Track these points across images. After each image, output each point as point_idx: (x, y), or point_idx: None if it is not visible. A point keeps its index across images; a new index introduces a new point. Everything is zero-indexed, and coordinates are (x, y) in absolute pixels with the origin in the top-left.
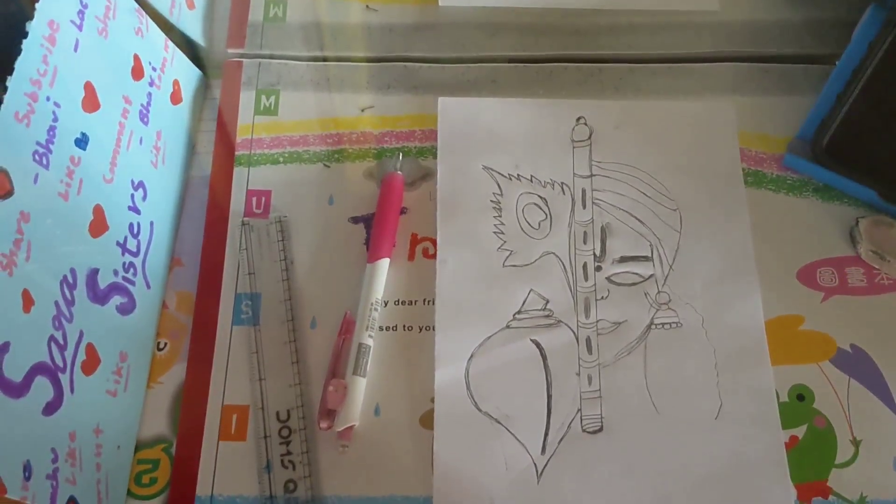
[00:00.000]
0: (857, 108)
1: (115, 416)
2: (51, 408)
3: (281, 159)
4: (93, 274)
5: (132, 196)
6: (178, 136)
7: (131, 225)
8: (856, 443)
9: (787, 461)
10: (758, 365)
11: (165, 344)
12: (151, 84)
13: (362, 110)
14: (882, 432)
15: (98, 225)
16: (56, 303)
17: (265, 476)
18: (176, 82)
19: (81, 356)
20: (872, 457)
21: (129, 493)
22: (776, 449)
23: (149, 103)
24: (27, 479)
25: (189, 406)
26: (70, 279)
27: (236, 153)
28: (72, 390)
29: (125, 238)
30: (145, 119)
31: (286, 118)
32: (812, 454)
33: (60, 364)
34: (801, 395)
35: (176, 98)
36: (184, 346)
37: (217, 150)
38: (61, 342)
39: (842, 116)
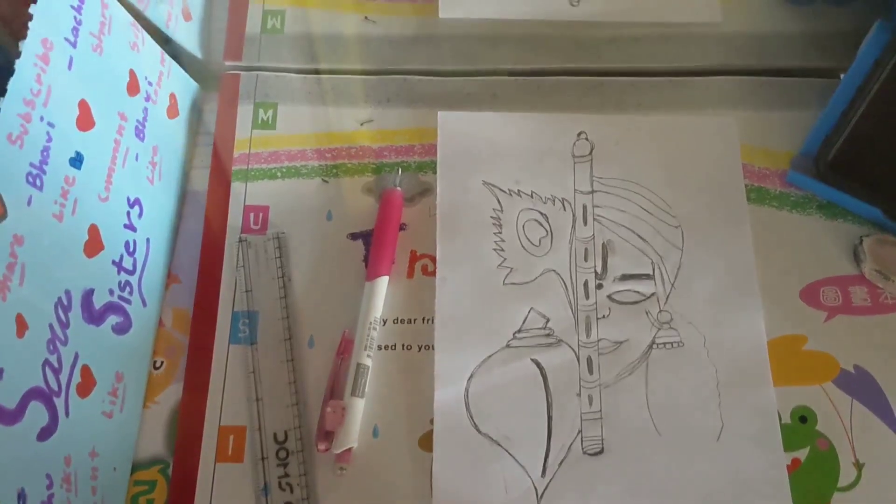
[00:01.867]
0: (862, 125)
1: (110, 438)
2: (45, 433)
3: (279, 174)
4: (88, 295)
5: (128, 214)
6: (175, 151)
7: (127, 243)
8: (858, 466)
9: (789, 484)
10: (760, 385)
11: (162, 363)
12: (147, 99)
13: (361, 124)
14: (885, 455)
15: (93, 245)
16: (50, 325)
17: (263, 499)
18: (172, 96)
19: (77, 378)
20: (875, 480)
21: None
22: (778, 471)
23: (145, 118)
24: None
25: (185, 427)
26: (65, 301)
27: (233, 168)
28: (67, 414)
29: (121, 256)
30: (141, 135)
31: (284, 132)
32: (814, 477)
33: (55, 388)
34: (803, 417)
35: (172, 112)
36: (180, 364)
37: (214, 165)
38: (56, 365)
39: (847, 133)
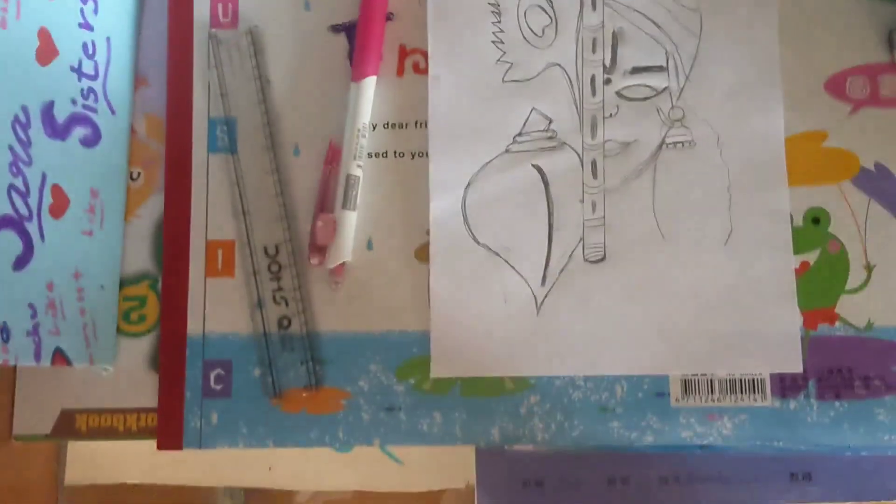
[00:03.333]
0: None
1: (93, 257)
2: (21, 262)
3: None
4: (48, 107)
5: (81, 11)
6: None
7: (85, 45)
8: (869, 268)
9: (797, 287)
10: (774, 186)
11: (139, 174)
12: None
13: None
14: None
15: (46, 50)
16: (10, 148)
17: (257, 313)
18: None
19: (48, 200)
20: (884, 282)
21: (119, 332)
22: (785, 275)
23: None
24: (5, 340)
25: (171, 242)
26: (22, 118)
27: None
28: (42, 238)
29: (79, 61)
30: None
31: None
32: (822, 280)
33: (25, 213)
34: (816, 219)
35: None
36: (159, 175)
37: None
38: (22, 189)
39: None
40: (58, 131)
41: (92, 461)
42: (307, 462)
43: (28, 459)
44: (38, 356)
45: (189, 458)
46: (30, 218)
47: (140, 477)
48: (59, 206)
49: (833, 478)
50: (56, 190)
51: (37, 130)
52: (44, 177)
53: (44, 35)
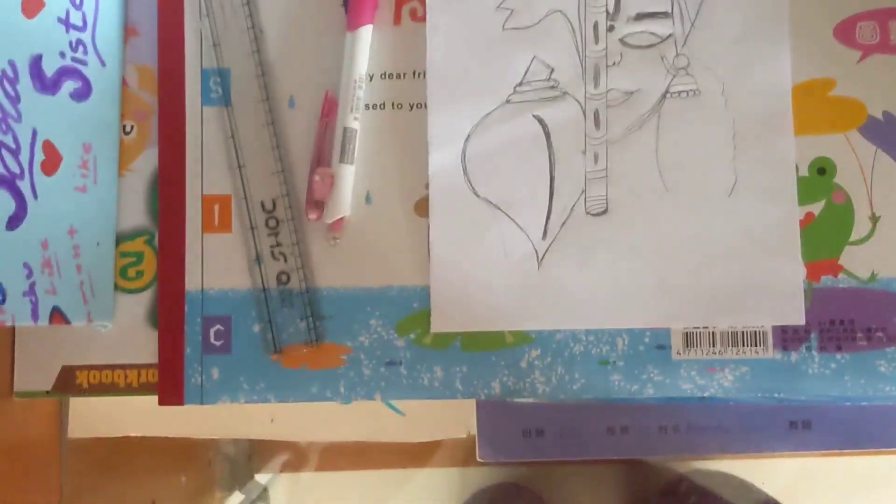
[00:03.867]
0: None
1: (88, 213)
2: (14, 221)
3: None
4: (36, 61)
5: None
6: None
7: None
8: (874, 219)
9: (800, 239)
10: (779, 136)
11: (132, 127)
12: None
13: None
14: None
15: (32, 2)
16: None
17: (256, 268)
18: None
19: (39, 156)
20: (889, 233)
21: (117, 288)
22: (789, 226)
23: None
24: (2, 301)
25: (166, 197)
26: (10, 73)
27: None
28: (35, 196)
29: (66, 12)
30: None
31: None
32: (826, 231)
33: (16, 170)
34: (821, 169)
35: None
36: (152, 127)
37: None
38: (13, 146)
39: None
40: (47, 85)
41: (94, 415)
42: (309, 413)
43: (30, 415)
44: (35, 316)
45: (191, 411)
46: (21, 176)
47: (143, 429)
48: (52, 162)
49: (832, 426)
50: (48, 146)
51: (25, 85)
52: (34, 133)
53: None
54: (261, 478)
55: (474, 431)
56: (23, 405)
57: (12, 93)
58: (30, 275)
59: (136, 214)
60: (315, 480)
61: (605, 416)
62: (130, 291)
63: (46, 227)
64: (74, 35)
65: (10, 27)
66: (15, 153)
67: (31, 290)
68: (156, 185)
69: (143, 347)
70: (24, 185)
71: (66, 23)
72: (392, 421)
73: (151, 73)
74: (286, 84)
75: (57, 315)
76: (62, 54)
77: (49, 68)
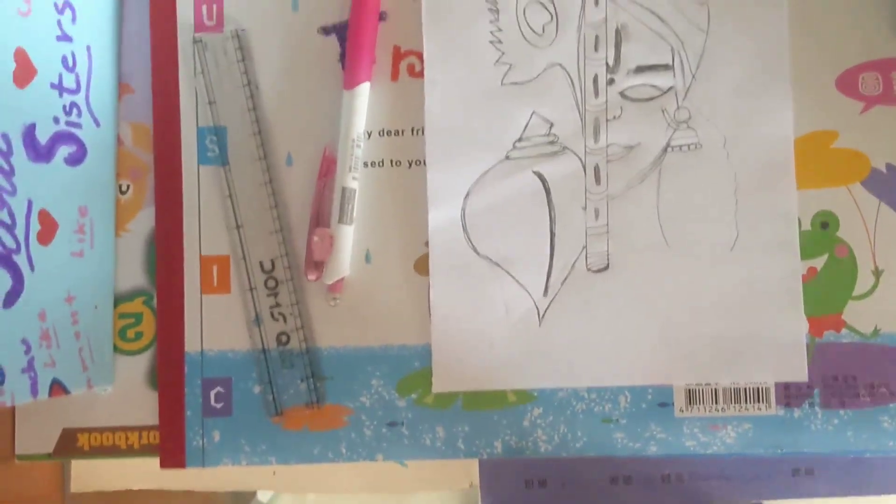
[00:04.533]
0: None
1: (86, 277)
2: (12, 297)
3: None
4: (29, 131)
5: (59, 22)
6: None
7: (64, 58)
8: (877, 273)
9: (803, 294)
10: (782, 189)
11: (128, 186)
12: None
13: None
14: None
15: (24, 71)
16: None
17: (255, 329)
18: None
19: (35, 227)
20: (892, 287)
21: (116, 350)
22: (792, 282)
23: None
24: (0, 382)
25: (164, 258)
26: (3, 146)
27: None
28: (31, 268)
29: (59, 76)
30: None
31: None
32: (829, 286)
33: (13, 245)
34: (825, 223)
35: None
36: (148, 186)
37: None
38: (8, 221)
39: None
40: (41, 154)
41: (96, 472)
42: (311, 465)
43: (33, 472)
44: (34, 391)
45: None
46: (17, 250)
47: (144, 483)
48: (48, 231)
49: (835, 473)
50: (43, 215)
51: (19, 156)
52: (30, 204)
53: (20, 56)
54: (262, 495)
55: (477, 482)
56: (25, 464)
57: (6, 166)
58: (28, 350)
59: (134, 275)
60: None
61: (608, 466)
62: (130, 353)
63: (44, 298)
64: (68, 98)
65: (1, 100)
66: (10, 228)
67: (30, 366)
68: (153, 244)
69: (143, 409)
70: (20, 259)
71: (59, 87)
72: (394, 472)
73: (147, 130)
74: (284, 141)
75: (57, 388)
76: (56, 120)
77: (43, 136)
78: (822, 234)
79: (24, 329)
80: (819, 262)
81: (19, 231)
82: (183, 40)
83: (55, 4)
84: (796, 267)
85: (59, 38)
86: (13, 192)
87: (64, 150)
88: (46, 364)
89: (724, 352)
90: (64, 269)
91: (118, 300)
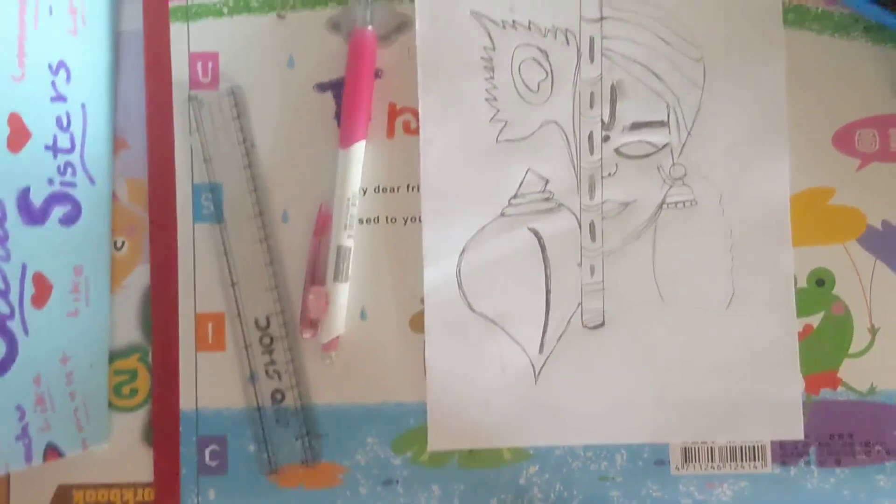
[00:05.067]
0: None
1: (81, 337)
2: (6, 363)
3: (224, 10)
4: (23, 195)
5: (53, 84)
6: None
7: (59, 118)
8: (873, 331)
9: (799, 352)
10: (778, 246)
11: (123, 243)
12: None
13: None
14: None
15: (18, 136)
16: None
17: (250, 387)
18: None
19: (29, 290)
20: (888, 345)
21: (112, 406)
22: (788, 340)
23: None
24: None
25: (159, 315)
26: None
27: (170, 4)
28: (26, 332)
29: (54, 137)
30: None
31: None
32: (825, 344)
33: (6, 311)
34: (820, 280)
35: None
36: (143, 242)
37: (147, 4)
38: (2, 287)
39: None
40: (35, 217)
41: None
42: None
43: None
44: (28, 458)
45: None
46: (11, 315)
47: None
48: (42, 294)
49: None
50: (38, 278)
51: (13, 221)
52: (24, 268)
53: (14, 121)
54: None
55: None
56: None
57: (0, 232)
58: (22, 417)
59: (129, 331)
60: None
61: None
62: (125, 410)
63: (39, 362)
64: (63, 159)
65: None
66: (4, 294)
67: (24, 433)
68: (149, 300)
69: (139, 466)
70: (14, 325)
71: (53, 148)
72: None
73: (142, 186)
74: (279, 198)
75: (51, 451)
76: (50, 181)
77: (37, 198)
78: (818, 291)
79: (19, 396)
80: (815, 320)
81: (13, 296)
82: (178, 97)
83: (49, 66)
84: (792, 325)
85: (53, 99)
86: (7, 258)
87: (59, 211)
88: (41, 429)
89: (719, 410)
90: (59, 330)
91: (113, 356)
